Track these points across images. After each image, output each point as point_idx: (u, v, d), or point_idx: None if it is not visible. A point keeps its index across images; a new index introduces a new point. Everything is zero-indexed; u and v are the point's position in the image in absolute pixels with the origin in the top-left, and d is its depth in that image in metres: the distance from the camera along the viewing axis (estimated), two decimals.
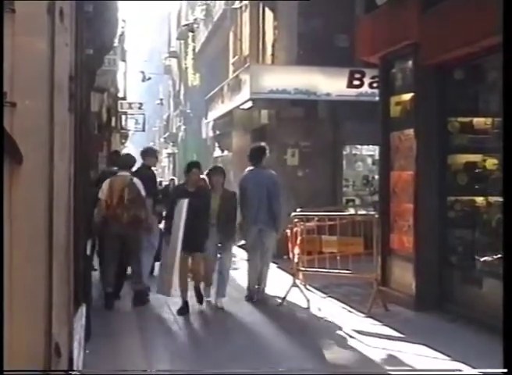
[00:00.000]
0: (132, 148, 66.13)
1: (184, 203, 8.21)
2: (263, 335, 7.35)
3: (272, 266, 11.47)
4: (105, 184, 8.88)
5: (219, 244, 9.13)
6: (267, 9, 17.56)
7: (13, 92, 2.47)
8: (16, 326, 2.55)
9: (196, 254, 8.63)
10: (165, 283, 8.38)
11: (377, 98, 10.45)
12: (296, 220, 9.78)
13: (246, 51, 19.85)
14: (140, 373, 5.60)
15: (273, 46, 16.68)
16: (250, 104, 15.43)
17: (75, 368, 3.72)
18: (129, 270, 9.37)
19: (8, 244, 2.51)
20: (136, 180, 8.99)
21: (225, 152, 23.49)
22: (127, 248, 8.96)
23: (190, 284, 8.70)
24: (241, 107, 16.44)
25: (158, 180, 14.22)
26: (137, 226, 8.87)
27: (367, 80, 13.93)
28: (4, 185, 2.48)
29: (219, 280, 9.05)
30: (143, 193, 8.93)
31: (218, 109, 20.18)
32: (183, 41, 36.54)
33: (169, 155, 46.83)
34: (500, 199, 7.12)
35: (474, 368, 5.91)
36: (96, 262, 9.97)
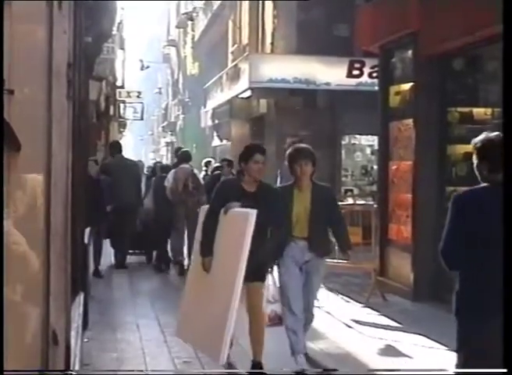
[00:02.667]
0: (130, 136, 66.09)
1: (252, 215, 5.20)
2: None
3: None
4: (170, 174, 10.64)
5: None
6: None
7: (11, 80, 2.46)
8: (13, 316, 2.54)
9: (256, 284, 5.53)
10: (210, 342, 5.38)
11: (376, 88, 10.43)
12: None
13: (245, 40, 19.81)
14: (139, 373, 5.56)
15: (272, 35, 16.65)
16: (249, 93, 15.40)
17: (72, 356, 3.72)
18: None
19: (5, 233, 2.50)
20: (196, 171, 10.79)
21: (224, 142, 23.48)
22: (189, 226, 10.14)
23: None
24: (240, 96, 16.41)
25: None
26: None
27: (366, 70, 13.88)
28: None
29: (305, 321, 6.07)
30: (202, 182, 10.85)
31: (217, 98, 20.15)
32: (182, 30, 36.46)
33: (167, 144, 46.85)
34: None
35: None
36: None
